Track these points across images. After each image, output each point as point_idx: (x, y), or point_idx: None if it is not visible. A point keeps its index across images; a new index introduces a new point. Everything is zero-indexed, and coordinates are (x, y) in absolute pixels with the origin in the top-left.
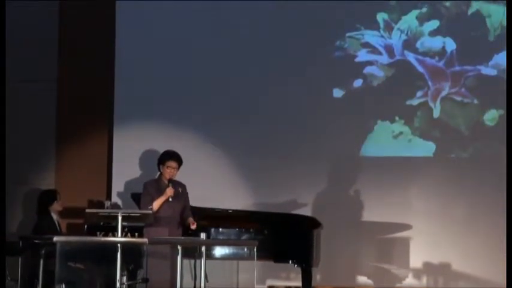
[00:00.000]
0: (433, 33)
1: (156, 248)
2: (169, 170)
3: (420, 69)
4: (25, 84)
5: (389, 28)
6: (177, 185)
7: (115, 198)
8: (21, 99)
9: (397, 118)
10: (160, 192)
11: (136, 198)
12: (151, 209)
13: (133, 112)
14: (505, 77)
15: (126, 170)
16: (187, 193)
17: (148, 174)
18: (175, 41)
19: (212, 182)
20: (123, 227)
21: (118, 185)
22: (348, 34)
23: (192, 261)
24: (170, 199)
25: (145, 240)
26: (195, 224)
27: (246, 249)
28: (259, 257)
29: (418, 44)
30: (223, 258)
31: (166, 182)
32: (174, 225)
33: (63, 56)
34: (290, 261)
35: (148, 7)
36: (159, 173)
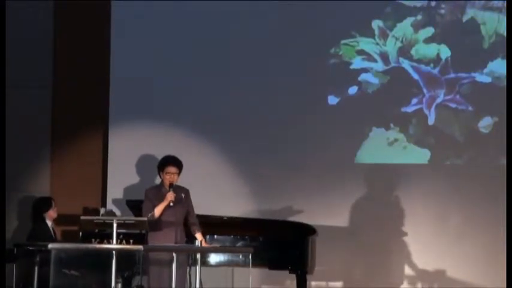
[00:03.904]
0: (428, 41)
1: (156, 255)
2: (169, 176)
3: (415, 76)
4: (19, 89)
5: (384, 35)
6: (178, 190)
7: (110, 205)
8: (14, 104)
9: (392, 125)
10: (162, 198)
11: (132, 205)
12: (153, 215)
13: (129, 117)
14: (500, 84)
15: (121, 176)
16: (190, 198)
17: (144, 181)
18: (172, 41)
19: (207, 190)
20: (118, 234)
21: (113, 192)
22: (342, 41)
23: (187, 268)
24: (171, 204)
25: (140, 247)
26: (202, 238)
27: (241, 256)
28: (254, 264)
29: (413, 51)
30: (219, 265)
31: (167, 188)
32: (177, 231)
33: (58, 59)
34: (285, 268)
35: (144, 7)
36: (160, 179)
